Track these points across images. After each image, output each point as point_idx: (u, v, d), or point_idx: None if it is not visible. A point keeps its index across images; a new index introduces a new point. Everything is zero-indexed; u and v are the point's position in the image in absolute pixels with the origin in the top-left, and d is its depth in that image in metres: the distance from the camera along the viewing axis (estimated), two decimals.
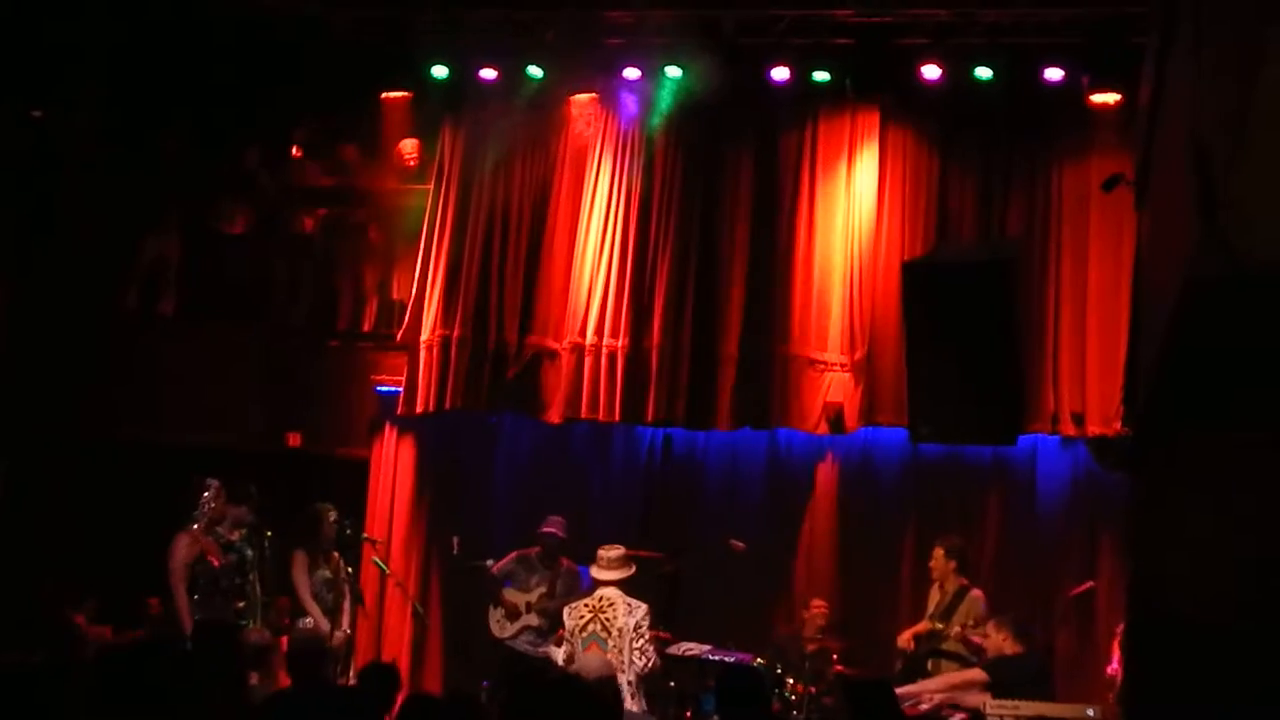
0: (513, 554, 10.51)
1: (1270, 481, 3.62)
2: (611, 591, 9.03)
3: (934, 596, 10.00)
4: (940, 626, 9.69)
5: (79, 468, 11.49)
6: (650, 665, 8.92)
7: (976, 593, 9.80)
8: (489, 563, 10.46)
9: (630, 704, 8.43)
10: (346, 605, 9.98)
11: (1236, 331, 3.64)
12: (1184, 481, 3.76)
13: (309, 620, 9.75)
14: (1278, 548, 3.58)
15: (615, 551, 9.15)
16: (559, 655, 9.15)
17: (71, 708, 4.05)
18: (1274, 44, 3.53)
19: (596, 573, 9.15)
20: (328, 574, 9.89)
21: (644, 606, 9.03)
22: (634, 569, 9.20)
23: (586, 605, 9.05)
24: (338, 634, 9.74)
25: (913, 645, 9.77)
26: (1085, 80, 10.31)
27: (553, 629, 10.22)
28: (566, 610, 9.19)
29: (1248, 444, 3.66)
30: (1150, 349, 4.00)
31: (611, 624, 8.91)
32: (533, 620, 10.32)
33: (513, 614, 10.32)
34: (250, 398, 11.84)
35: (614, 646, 8.82)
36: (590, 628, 8.95)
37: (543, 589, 10.33)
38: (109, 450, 11.59)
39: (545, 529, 10.40)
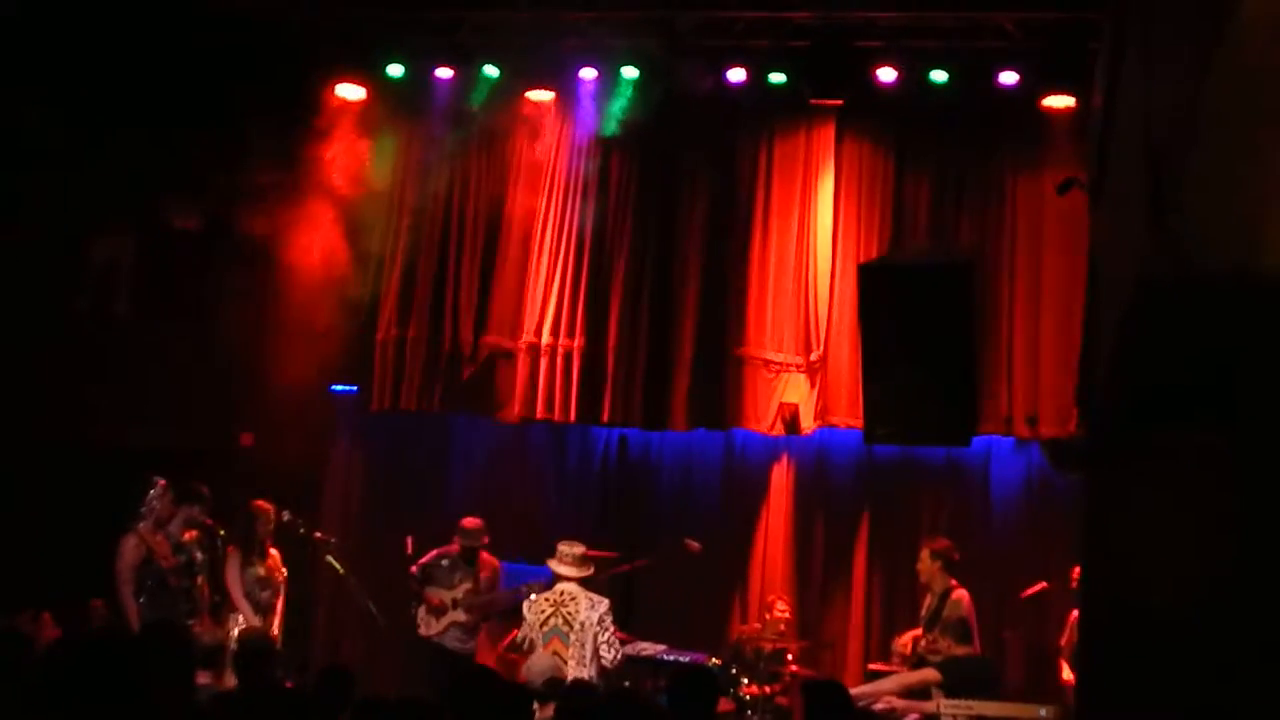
0: (433, 552, 10.35)
1: (1222, 483, 3.64)
2: (572, 586, 8.98)
3: (927, 601, 9.82)
4: (930, 633, 9.45)
5: (30, 468, 11.35)
6: (618, 659, 8.90)
7: (958, 594, 9.45)
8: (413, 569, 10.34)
9: None
10: (280, 604, 9.90)
11: (1188, 333, 3.66)
12: (1137, 483, 3.78)
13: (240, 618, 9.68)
14: (1231, 549, 3.60)
15: (577, 549, 9.10)
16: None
17: (21, 705, 4.01)
18: (1223, 46, 3.55)
19: (556, 567, 9.09)
20: (260, 572, 9.81)
21: (606, 601, 9.00)
22: (592, 569, 9.18)
23: (547, 599, 9.00)
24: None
25: (909, 650, 9.57)
26: (1039, 84, 10.35)
27: (479, 625, 10.16)
28: (526, 604, 9.12)
29: (1201, 445, 3.68)
30: (1103, 351, 4.02)
31: (573, 618, 8.87)
32: (460, 616, 10.20)
33: (439, 611, 10.19)
34: (203, 397, 11.75)
35: (575, 640, 8.78)
36: (552, 621, 8.91)
37: (468, 584, 10.21)
38: (61, 450, 11.47)
39: (466, 536, 10.22)
